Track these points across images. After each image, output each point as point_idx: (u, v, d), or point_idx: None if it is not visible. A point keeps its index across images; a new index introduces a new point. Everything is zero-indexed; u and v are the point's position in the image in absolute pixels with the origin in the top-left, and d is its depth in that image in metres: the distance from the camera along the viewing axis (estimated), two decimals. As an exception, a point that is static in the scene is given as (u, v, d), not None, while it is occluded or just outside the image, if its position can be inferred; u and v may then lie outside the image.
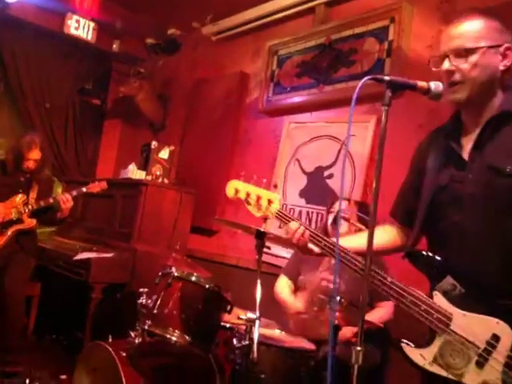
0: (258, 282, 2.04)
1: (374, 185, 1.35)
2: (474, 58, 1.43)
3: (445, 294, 1.45)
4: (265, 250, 2.15)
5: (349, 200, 2.83)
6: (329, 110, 3.58)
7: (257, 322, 1.99)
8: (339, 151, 3.41)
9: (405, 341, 1.48)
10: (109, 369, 2.27)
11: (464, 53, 1.44)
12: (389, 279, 1.51)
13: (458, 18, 1.50)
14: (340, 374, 1.98)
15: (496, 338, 1.36)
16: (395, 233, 1.74)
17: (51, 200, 3.46)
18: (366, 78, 1.39)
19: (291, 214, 3.76)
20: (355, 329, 2.28)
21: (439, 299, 1.45)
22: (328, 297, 2.54)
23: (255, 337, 1.98)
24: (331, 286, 2.51)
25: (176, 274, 2.34)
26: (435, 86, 1.44)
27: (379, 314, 2.60)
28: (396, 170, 2.83)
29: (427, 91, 1.44)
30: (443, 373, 1.40)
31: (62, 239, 4.27)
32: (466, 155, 1.50)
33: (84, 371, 2.51)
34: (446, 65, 1.47)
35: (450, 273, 1.46)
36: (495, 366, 1.35)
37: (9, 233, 3.40)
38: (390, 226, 1.77)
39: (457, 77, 1.46)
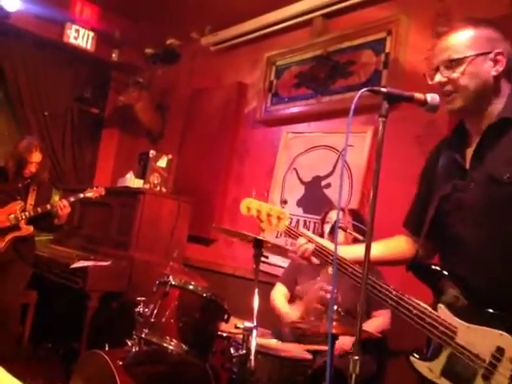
0: (256, 291, 2.05)
1: (371, 195, 1.36)
2: (462, 68, 1.46)
3: (449, 306, 1.45)
4: (262, 259, 2.16)
5: (343, 209, 2.85)
6: (326, 121, 3.60)
7: (254, 331, 2.00)
8: (337, 161, 3.43)
9: (415, 355, 1.48)
10: (105, 377, 2.26)
11: (452, 64, 1.47)
12: (394, 293, 1.52)
13: (448, 29, 1.52)
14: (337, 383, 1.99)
15: (500, 350, 1.35)
16: (409, 243, 1.76)
17: (48, 207, 3.46)
18: (363, 90, 1.41)
19: (289, 223, 3.77)
20: (353, 339, 2.30)
21: (444, 312, 1.45)
22: (325, 306, 2.55)
23: (252, 346, 1.98)
24: (328, 295, 2.51)
25: (173, 283, 2.34)
26: (432, 98, 1.46)
27: (376, 323, 2.61)
28: (393, 180, 2.86)
29: (424, 103, 1.46)
30: None
31: (59, 247, 4.27)
32: (468, 165, 1.52)
33: (80, 380, 2.49)
34: (438, 77, 1.51)
35: (454, 284, 1.46)
36: (501, 380, 1.33)
37: (6, 240, 3.39)
38: (404, 237, 1.78)
39: (448, 87, 1.49)
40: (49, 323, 4.05)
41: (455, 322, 1.42)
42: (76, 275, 3.51)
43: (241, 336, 2.11)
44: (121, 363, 2.29)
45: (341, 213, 2.80)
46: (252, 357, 1.94)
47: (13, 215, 3.41)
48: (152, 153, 4.23)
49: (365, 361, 2.36)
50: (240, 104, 4.37)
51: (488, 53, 1.46)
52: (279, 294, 2.89)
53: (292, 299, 2.88)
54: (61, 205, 3.43)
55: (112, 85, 5.48)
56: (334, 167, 3.44)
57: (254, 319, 2.00)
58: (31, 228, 3.50)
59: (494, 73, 1.47)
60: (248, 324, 2.01)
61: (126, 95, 4.94)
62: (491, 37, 1.48)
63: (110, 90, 5.48)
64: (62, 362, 3.73)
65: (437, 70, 1.51)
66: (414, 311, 1.47)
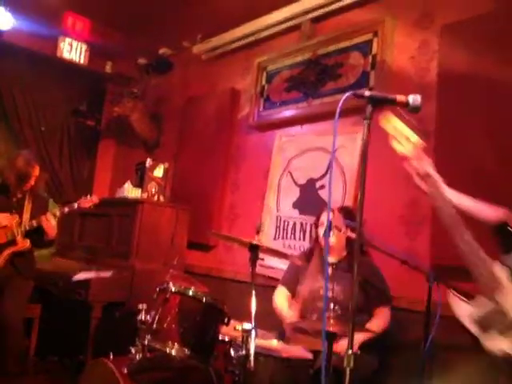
0: (253, 292, 2.09)
1: (359, 194, 1.42)
2: None
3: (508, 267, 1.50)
4: (259, 261, 2.20)
5: (333, 210, 2.87)
6: (318, 123, 3.65)
7: (252, 331, 2.03)
8: (330, 163, 3.48)
9: (455, 293, 1.54)
10: (111, 385, 2.30)
11: None
12: (466, 237, 1.53)
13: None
14: (338, 383, 2.02)
15: None
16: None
17: (34, 223, 3.41)
18: (346, 94, 1.48)
19: (286, 225, 3.79)
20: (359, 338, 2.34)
21: (498, 270, 1.50)
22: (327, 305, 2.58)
23: (251, 347, 2.02)
24: (330, 294, 2.54)
25: (173, 289, 2.38)
26: (413, 99, 1.51)
27: (379, 323, 2.63)
28: (383, 178, 2.90)
29: (406, 104, 1.52)
30: (476, 333, 1.46)
31: (61, 259, 4.30)
32: None
33: (86, 389, 2.54)
34: None
35: None
36: None
37: (3, 256, 3.34)
38: None
39: None
40: (54, 336, 4.09)
41: (504, 281, 1.48)
42: (79, 287, 3.54)
43: (240, 338, 2.15)
44: (125, 371, 2.32)
45: (331, 214, 2.84)
46: (251, 357, 1.98)
47: (9, 230, 3.38)
48: (149, 162, 4.27)
49: (367, 358, 2.41)
50: (233, 110, 4.41)
51: None
52: (280, 297, 2.92)
53: (295, 299, 2.90)
54: (43, 218, 3.38)
55: (107, 97, 5.53)
56: (328, 169, 3.48)
57: (252, 320, 2.04)
58: (28, 242, 3.45)
59: None
60: (246, 325, 2.05)
61: (121, 106, 4.98)
62: None
63: (105, 101, 5.53)
64: (68, 373, 3.76)
65: None
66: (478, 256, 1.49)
